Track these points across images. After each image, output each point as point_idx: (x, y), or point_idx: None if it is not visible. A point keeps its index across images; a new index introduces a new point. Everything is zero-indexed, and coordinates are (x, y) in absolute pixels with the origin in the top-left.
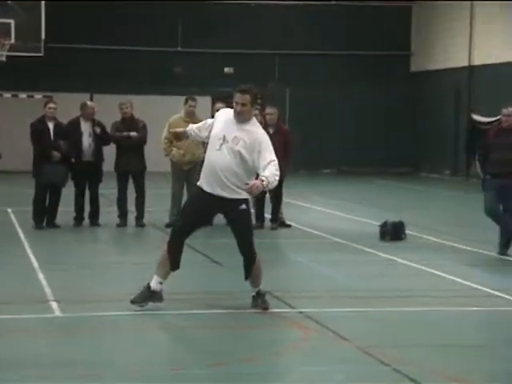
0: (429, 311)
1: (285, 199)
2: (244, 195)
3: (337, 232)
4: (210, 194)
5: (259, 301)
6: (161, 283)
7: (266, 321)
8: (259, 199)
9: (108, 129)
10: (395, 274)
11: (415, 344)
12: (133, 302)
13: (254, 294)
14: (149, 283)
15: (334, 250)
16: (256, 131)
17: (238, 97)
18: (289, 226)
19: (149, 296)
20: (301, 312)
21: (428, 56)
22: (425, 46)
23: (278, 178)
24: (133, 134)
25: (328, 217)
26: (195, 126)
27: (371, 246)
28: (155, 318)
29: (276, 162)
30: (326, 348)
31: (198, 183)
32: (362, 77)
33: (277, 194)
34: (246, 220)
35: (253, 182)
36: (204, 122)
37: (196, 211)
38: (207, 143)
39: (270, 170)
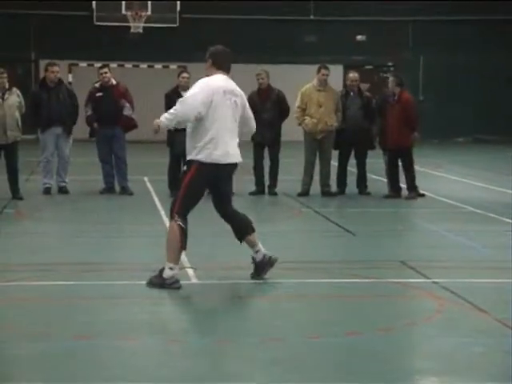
0: None
1: (419, 168)
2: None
3: (472, 201)
4: None
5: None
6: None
7: (401, 291)
8: (391, 168)
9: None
10: None
11: None
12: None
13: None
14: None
15: (469, 219)
16: None
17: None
18: (423, 195)
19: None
20: (435, 282)
21: None
22: None
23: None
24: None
25: (463, 186)
26: None
27: (508, 215)
28: (292, 286)
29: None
30: (462, 319)
31: None
32: (499, 43)
33: (406, 162)
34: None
35: None
36: None
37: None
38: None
39: None
